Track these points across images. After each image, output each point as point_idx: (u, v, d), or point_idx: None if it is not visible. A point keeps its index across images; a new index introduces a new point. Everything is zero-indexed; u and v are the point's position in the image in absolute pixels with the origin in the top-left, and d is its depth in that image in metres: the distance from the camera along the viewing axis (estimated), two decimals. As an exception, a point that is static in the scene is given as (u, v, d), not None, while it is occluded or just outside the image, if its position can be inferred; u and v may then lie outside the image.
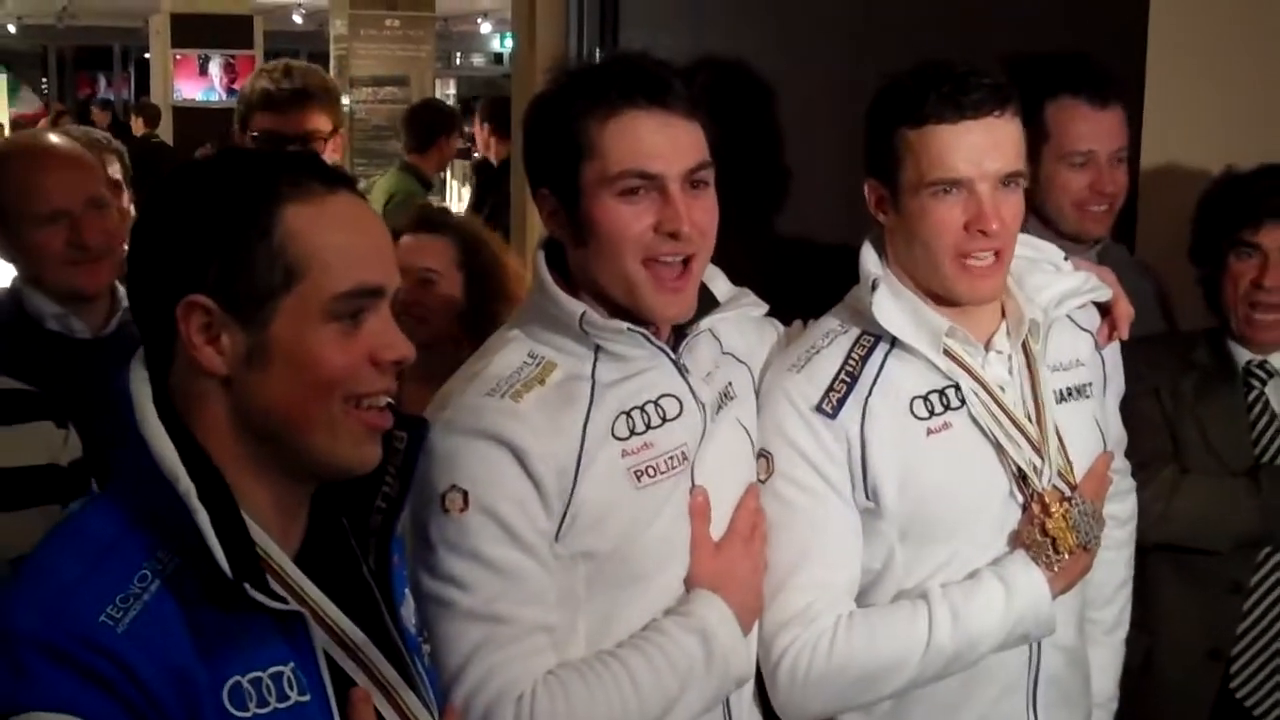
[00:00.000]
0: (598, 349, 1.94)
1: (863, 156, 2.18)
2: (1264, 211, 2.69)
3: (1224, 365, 2.79)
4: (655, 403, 1.96)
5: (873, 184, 2.16)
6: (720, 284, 2.10)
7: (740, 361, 2.16)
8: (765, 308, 2.15)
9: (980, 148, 2.05)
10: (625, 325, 1.92)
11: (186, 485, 1.44)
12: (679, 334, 2.01)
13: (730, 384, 2.10)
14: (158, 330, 1.51)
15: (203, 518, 1.43)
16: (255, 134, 3.36)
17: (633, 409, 1.95)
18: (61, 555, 1.47)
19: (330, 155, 3.40)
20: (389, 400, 1.56)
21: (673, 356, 1.98)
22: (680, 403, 1.98)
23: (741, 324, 2.16)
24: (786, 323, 2.32)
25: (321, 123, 3.40)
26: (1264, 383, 2.76)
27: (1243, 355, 2.78)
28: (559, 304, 1.94)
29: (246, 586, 1.43)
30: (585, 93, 1.92)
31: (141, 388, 1.51)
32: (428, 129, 6.30)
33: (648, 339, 1.94)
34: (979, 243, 2.07)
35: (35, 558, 1.48)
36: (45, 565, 1.46)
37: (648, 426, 1.95)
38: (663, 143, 1.90)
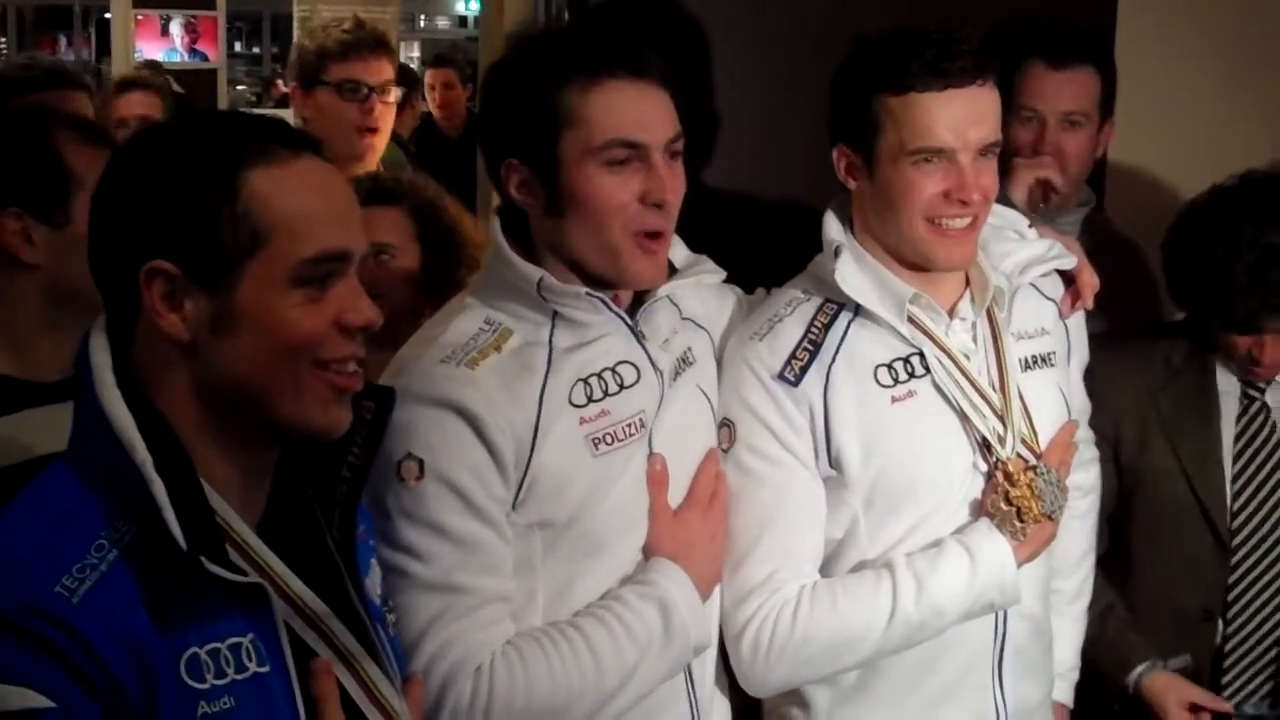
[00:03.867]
0: (555, 315, 1.93)
1: (828, 122, 2.17)
2: (1259, 322, 2.52)
3: (1202, 381, 2.69)
4: (613, 370, 1.96)
5: (843, 149, 2.15)
6: (678, 251, 2.09)
7: (700, 327, 2.15)
8: (723, 274, 2.14)
9: (963, 117, 2.05)
10: (584, 290, 1.92)
11: (143, 455, 1.42)
12: (637, 301, 2.01)
13: (689, 350, 2.09)
14: (120, 297, 1.49)
15: (159, 489, 1.41)
16: (336, 82, 3.33)
17: (590, 376, 1.94)
18: (18, 524, 1.45)
19: (389, 110, 3.41)
20: (357, 367, 1.54)
21: (629, 323, 1.97)
22: (638, 370, 1.97)
23: (701, 290, 2.16)
24: (749, 290, 2.32)
25: (393, 74, 3.41)
26: (1262, 391, 2.68)
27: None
28: (516, 270, 1.93)
29: (203, 560, 1.41)
30: (561, 62, 1.90)
31: (100, 355, 1.49)
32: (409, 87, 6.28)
33: (606, 304, 1.94)
34: (955, 209, 2.07)
35: None
36: (2, 535, 1.44)
37: (605, 394, 1.94)
38: (646, 112, 1.90)
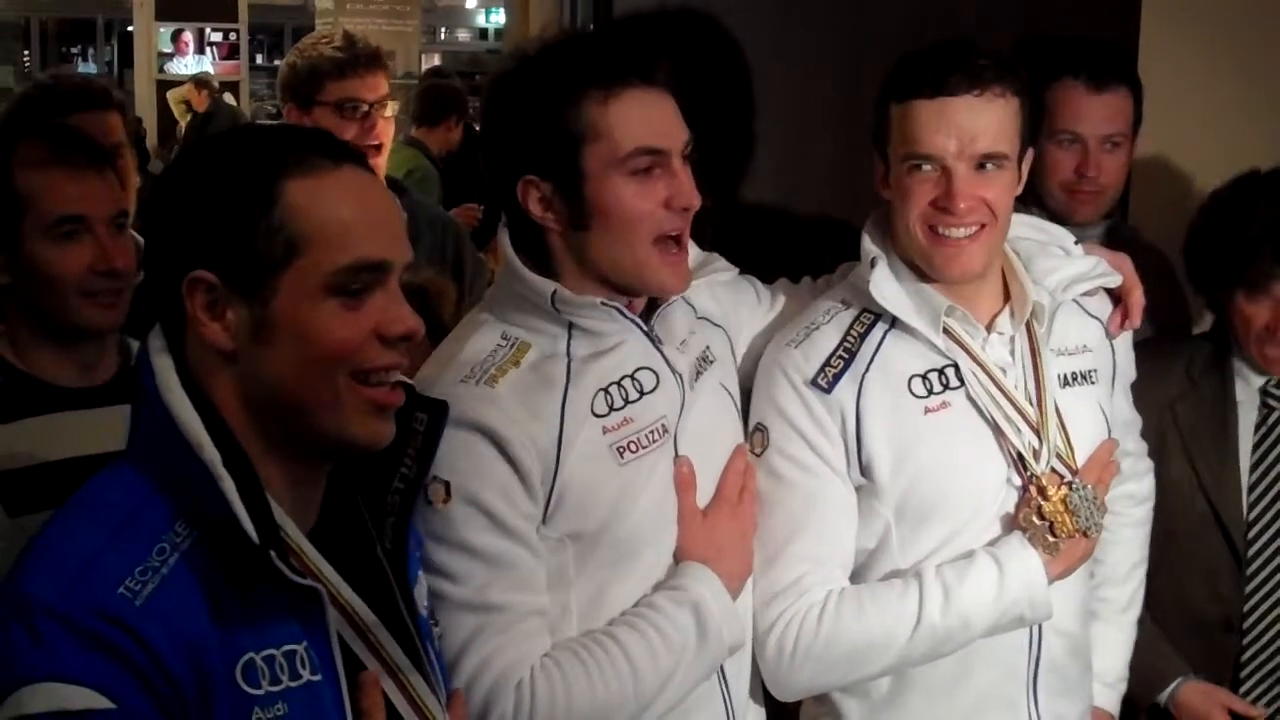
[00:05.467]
0: (570, 326, 1.94)
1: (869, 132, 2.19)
2: (1272, 262, 2.54)
3: (1221, 392, 2.68)
4: (632, 377, 1.96)
5: (876, 159, 2.17)
6: (689, 250, 2.09)
7: (716, 325, 2.16)
8: (734, 271, 2.16)
9: (957, 126, 2.05)
10: (599, 300, 1.93)
11: (211, 454, 1.44)
12: (650, 306, 2.02)
13: (708, 349, 2.10)
14: (170, 306, 1.51)
15: (228, 485, 1.43)
16: (334, 102, 3.26)
17: (610, 385, 1.94)
18: (81, 525, 1.47)
19: (389, 124, 3.38)
20: (403, 379, 1.56)
21: (645, 329, 1.98)
22: (656, 375, 1.98)
23: (714, 287, 2.17)
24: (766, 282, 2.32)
25: (386, 87, 3.36)
26: None
27: (1257, 379, 2.67)
28: (529, 284, 1.94)
29: (271, 554, 1.43)
30: (573, 75, 1.91)
31: (162, 358, 1.51)
32: (438, 105, 6.27)
33: (621, 312, 1.95)
34: (945, 218, 2.07)
35: (55, 526, 1.48)
36: (65, 534, 1.46)
37: (626, 401, 1.94)
38: (664, 119, 1.92)
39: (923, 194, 2.08)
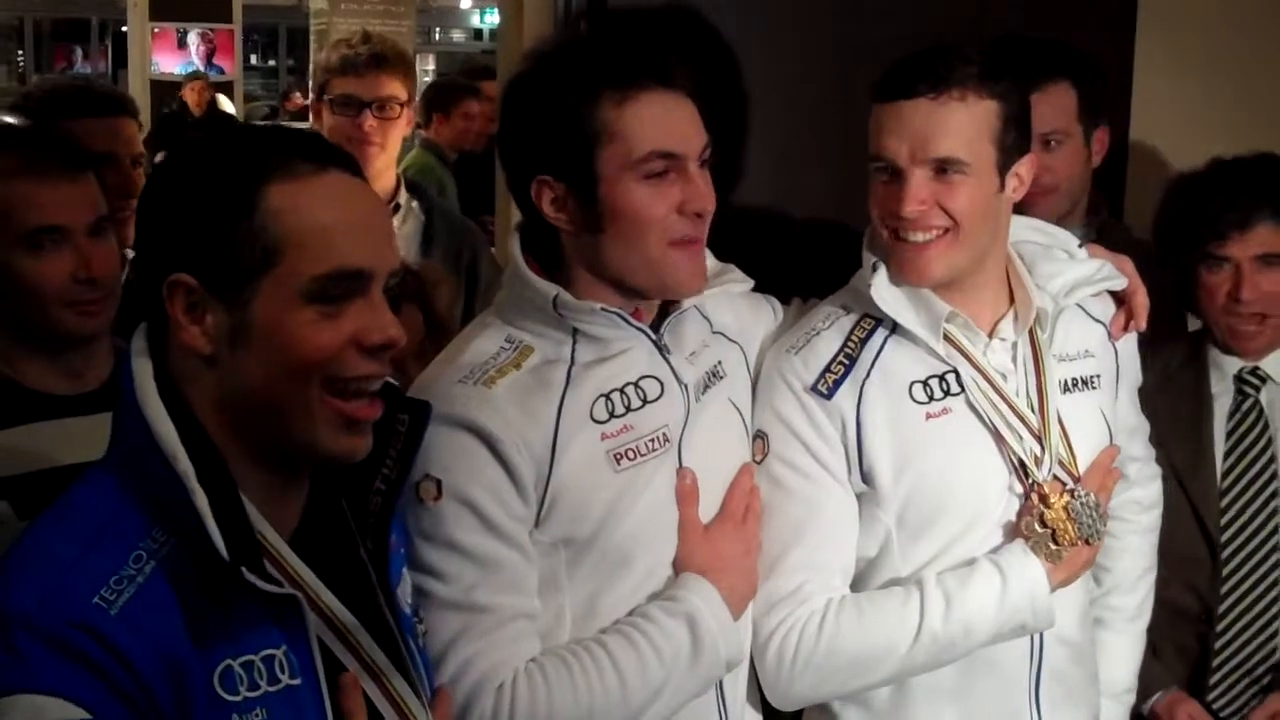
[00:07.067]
0: (575, 332, 1.93)
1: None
2: (1226, 225, 2.58)
3: (1196, 384, 2.70)
4: (635, 384, 1.94)
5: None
6: (706, 260, 2.08)
7: (732, 340, 2.14)
8: (750, 283, 2.13)
9: (909, 129, 2.02)
10: (598, 305, 1.91)
11: (186, 466, 1.43)
12: (663, 314, 2.00)
13: (719, 363, 2.08)
14: (154, 308, 1.50)
15: (201, 500, 1.42)
16: (332, 99, 3.35)
17: (612, 391, 1.92)
18: (57, 533, 1.46)
19: (405, 126, 3.42)
20: (388, 382, 1.54)
21: (653, 337, 1.96)
22: (661, 384, 1.96)
23: (733, 302, 2.15)
24: (784, 300, 2.30)
25: (397, 89, 3.38)
26: (1257, 389, 2.66)
27: (1233, 364, 2.67)
28: (533, 287, 1.92)
29: (243, 570, 1.42)
30: (589, 76, 1.89)
31: (142, 365, 1.50)
32: (425, 104, 6.37)
33: (624, 319, 1.93)
34: (901, 222, 2.05)
35: (31, 535, 1.47)
36: (41, 544, 1.45)
37: (628, 409, 1.92)
38: (680, 123, 1.90)
39: (881, 197, 2.07)
